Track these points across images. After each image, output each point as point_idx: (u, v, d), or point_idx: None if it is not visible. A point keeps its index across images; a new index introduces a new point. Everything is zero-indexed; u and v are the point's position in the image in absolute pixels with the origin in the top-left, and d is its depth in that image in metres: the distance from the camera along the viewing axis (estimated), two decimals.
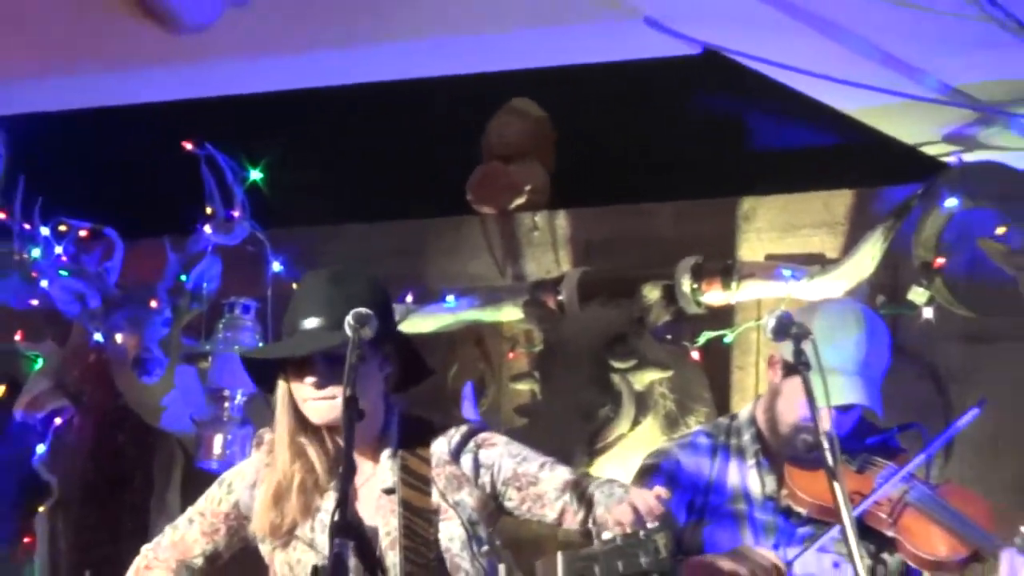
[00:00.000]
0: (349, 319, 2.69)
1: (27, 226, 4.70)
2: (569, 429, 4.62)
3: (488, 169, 5.16)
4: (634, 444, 4.55)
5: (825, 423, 2.70)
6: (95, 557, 4.99)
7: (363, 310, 2.71)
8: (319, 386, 2.85)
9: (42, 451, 5.08)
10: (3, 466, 5.14)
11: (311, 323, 2.84)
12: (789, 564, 3.12)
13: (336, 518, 2.63)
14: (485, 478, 3.04)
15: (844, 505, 2.63)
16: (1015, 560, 3.18)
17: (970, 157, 4.88)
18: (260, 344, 4.68)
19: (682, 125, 5.69)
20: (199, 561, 3.09)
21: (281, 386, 3.01)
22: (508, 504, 3.01)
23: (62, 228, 4.87)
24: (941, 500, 3.30)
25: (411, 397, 3.04)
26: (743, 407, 3.47)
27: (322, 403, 2.86)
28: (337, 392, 2.78)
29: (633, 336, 4.64)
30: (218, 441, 4.70)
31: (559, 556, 2.59)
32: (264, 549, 3.06)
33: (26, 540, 5.23)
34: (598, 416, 4.66)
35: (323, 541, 2.90)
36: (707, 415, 4.68)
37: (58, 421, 5.14)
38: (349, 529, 2.74)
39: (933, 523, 3.27)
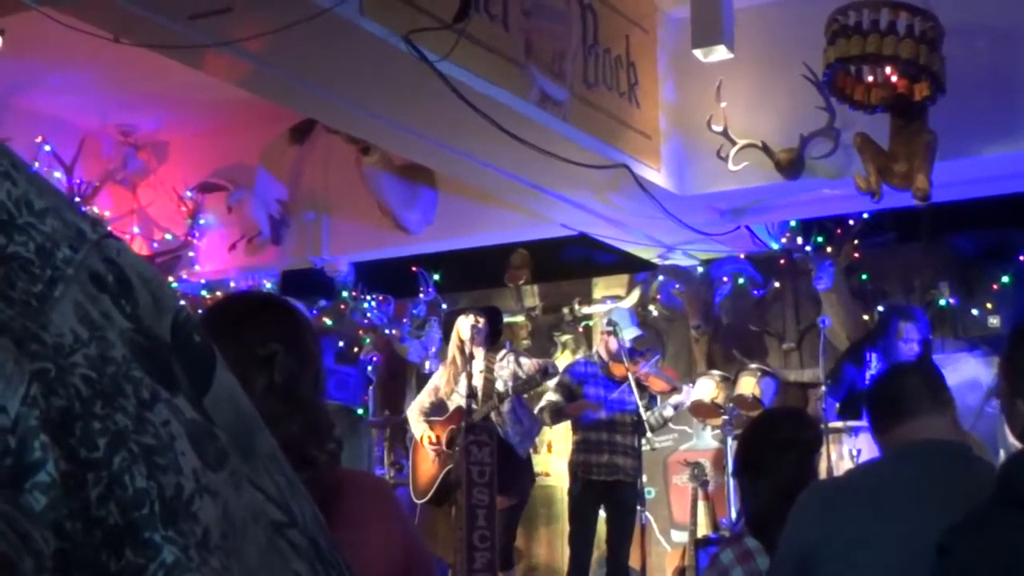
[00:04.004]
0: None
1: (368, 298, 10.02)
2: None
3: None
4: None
5: (624, 345, 8.23)
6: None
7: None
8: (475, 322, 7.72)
9: (370, 369, 10.05)
10: (356, 376, 10.27)
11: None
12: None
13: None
14: (517, 364, 7.92)
15: (631, 373, 8.03)
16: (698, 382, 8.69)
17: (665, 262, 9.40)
18: (436, 335, 9.76)
19: None
20: (427, 404, 8.12)
21: (454, 328, 7.76)
22: (520, 370, 7.85)
23: (380, 298, 9.74)
24: (658, 370, 9.20)
25: None
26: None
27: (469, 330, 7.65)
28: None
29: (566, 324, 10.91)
30: (425, 361, 9.89)
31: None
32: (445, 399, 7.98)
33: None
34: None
35: (463, 390, 7.49)
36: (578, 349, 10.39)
37: (374, 359, 10.00)
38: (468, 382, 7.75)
39: (657, 378, 8.72)
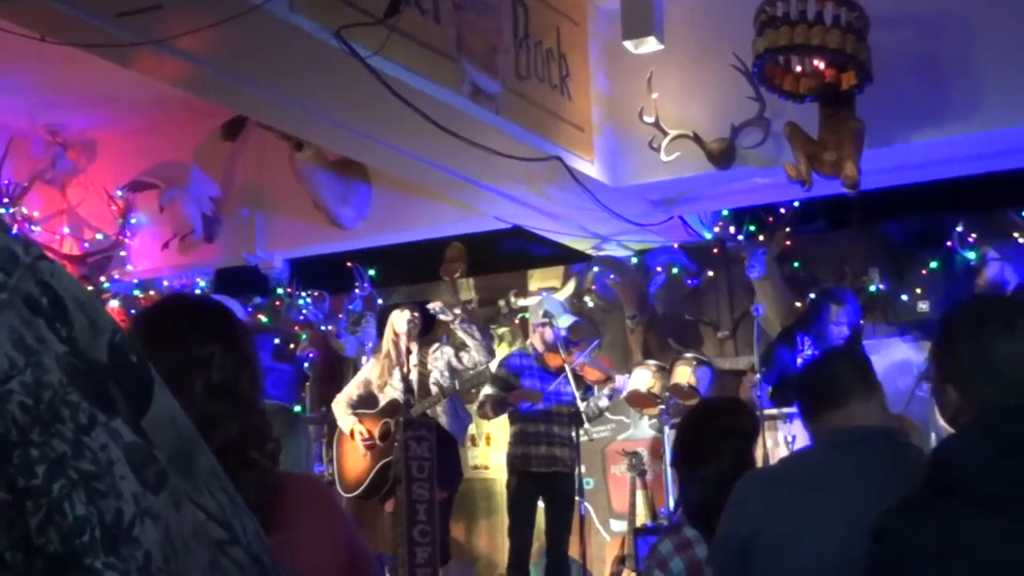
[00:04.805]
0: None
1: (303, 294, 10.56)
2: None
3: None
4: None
5: (560, 335, 8.49)
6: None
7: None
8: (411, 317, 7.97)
9: (306, 366, 9.63)
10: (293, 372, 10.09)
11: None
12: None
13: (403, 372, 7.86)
14: (456, 356, 8.37)
15: (567, 364, 8.15)
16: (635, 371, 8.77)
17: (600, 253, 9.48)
18: (373, 330, 10.01)
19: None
20: (355, 396, 8.37)
21: (388, 322, 8.04)
22: (455, 362, 8.19)
23: (316, 294, 9.68)
24: (593, 359, 9.72)
25: None
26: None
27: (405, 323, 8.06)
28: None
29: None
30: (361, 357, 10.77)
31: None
32: (377, 392, 8.24)
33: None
34: None
35: (397, 384, 7.88)
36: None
37: (311, 355, 9.75)
38: (404, 376, 7.98)
39: (592, 367, 9.18)
